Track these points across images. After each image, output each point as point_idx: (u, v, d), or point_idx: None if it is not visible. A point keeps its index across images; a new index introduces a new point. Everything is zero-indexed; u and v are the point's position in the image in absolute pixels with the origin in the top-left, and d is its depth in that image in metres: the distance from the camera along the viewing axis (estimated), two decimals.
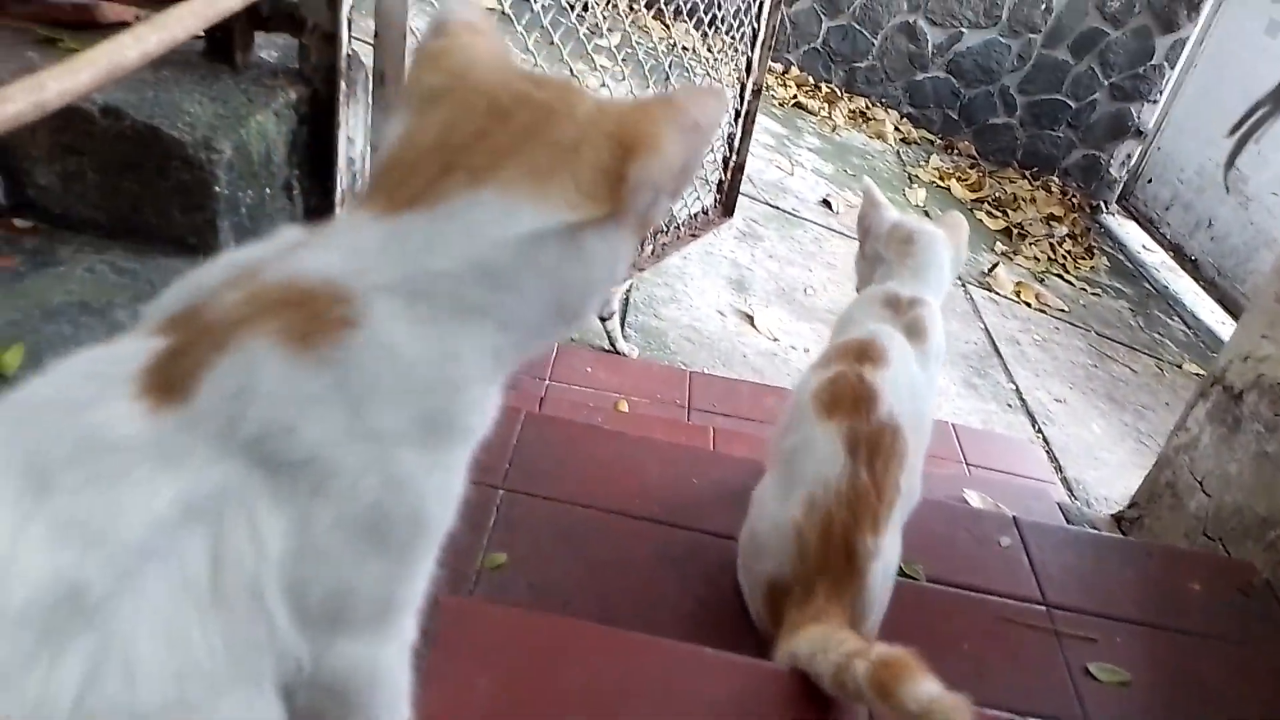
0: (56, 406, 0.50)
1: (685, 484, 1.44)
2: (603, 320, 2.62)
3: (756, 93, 2.51)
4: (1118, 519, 1.95)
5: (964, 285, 4.22)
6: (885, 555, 1.04)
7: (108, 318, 1.10)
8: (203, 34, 1.30)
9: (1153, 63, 5.53)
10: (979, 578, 1.37)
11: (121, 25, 1.39)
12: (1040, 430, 3.32)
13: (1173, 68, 5.50)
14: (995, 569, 1.39)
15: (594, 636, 0.96)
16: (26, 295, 1.10)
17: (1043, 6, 5.47)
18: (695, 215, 2.57)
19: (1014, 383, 3.58)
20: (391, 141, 0.59)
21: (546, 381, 2.33)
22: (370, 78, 1.45)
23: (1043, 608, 1.34)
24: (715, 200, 2.69)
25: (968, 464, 2.40)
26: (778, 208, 4.27)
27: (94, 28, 1.34)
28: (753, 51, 2.43)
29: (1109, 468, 3.20)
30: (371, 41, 1.41)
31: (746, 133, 2.58)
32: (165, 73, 1.27)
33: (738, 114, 2.54)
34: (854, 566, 1.01)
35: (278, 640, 0.52)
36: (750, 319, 3.29)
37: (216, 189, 1.21)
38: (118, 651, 0.46)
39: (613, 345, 2.65)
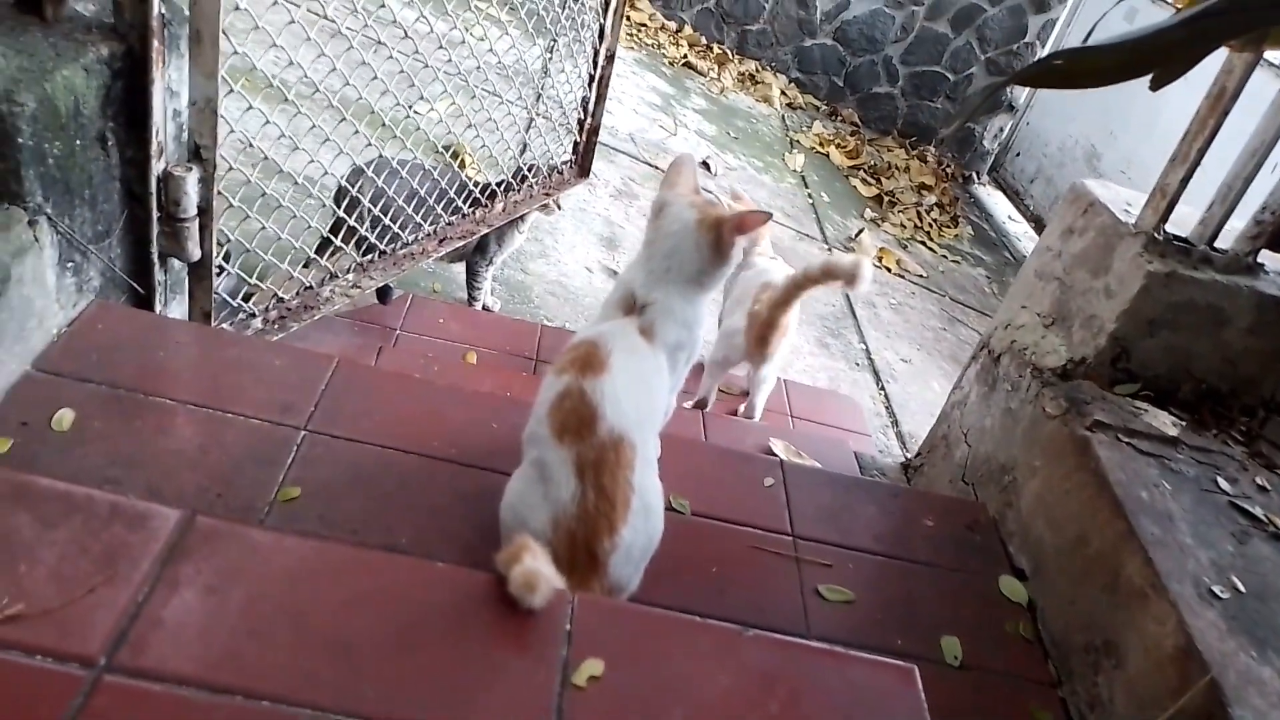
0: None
1: (486, 429, 1.57)
2: (470, 278, 2.68)
3: (610, 59, 2.62)
4: (905, 467, 2.17)
5: (830, 250, 4.44)
6: (626, 542, 1.23)
7: None
8: None
9: (1026, 40, 5.81)
10: (738, 512, 1.54)
11: None
12: (883, 388, 3.57)
13: (1044, 46, 5.80)
14: (755, 505, 1.57)
15: (339, 555, 1.09)
16: None
17: None
18: (550, 174, 2.67)
19: (865, 343, 3.81)
20: None
21: (397, 331, 2.42)
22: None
23: (789, 538, 1.53)
24: (571, 161, 2.79)
25: (792, 417, 2.60)
26: (656, 167, 4.40)
27: None
28: (605, 18, 2.53)
29: None
30: None
31: (600, 97, 2.68)
32: None
33: (592, 79, 2.64)
34: (596, 563, 1.22)
35: None
36: (616, 275, 3.43)
37: (20, 140, 1.28)
38: None
39: (471, 300, 2.74)
